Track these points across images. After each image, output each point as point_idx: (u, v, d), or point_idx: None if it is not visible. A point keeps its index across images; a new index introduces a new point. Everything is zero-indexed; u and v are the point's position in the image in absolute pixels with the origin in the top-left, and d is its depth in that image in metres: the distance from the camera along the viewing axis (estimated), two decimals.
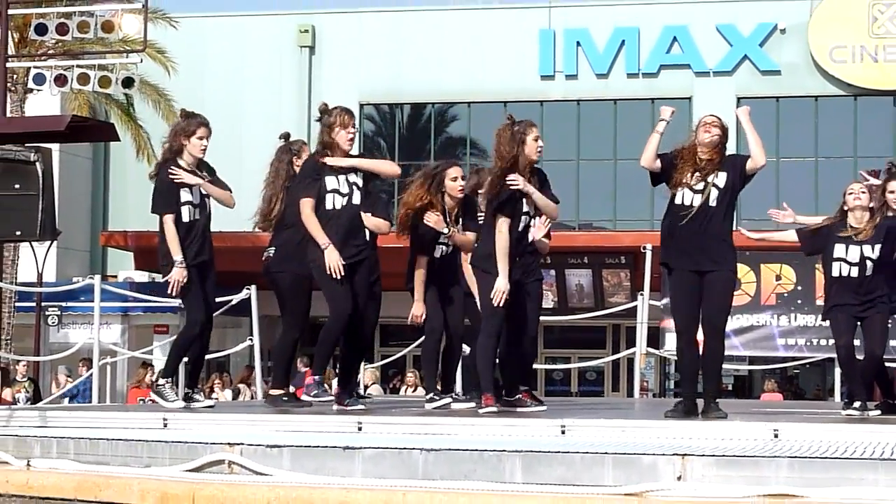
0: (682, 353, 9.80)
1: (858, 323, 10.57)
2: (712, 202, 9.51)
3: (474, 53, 32.50)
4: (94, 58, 23.45)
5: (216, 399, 19.35)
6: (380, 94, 33.25)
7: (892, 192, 10.80)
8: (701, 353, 9.73)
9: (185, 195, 10.60)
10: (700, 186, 9.52)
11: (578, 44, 32.34)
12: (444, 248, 10.95)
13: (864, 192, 10.53)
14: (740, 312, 17.14)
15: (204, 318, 10.79)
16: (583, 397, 27.13)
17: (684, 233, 9.55)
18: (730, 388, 29.89)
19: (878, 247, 10.40)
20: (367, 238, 10.46)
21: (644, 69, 32.18)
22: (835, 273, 10.48)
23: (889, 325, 11.07)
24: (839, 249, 10.45)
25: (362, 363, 14.31)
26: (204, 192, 10.68)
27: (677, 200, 9.60)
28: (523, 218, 10.16)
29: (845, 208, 10.55)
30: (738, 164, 9.66)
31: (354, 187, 10.26)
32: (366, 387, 19.51)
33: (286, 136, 11.41)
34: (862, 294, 10.42)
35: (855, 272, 10.41)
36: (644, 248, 16.99)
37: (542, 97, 32.15)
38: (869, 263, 10.41)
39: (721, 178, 9.54)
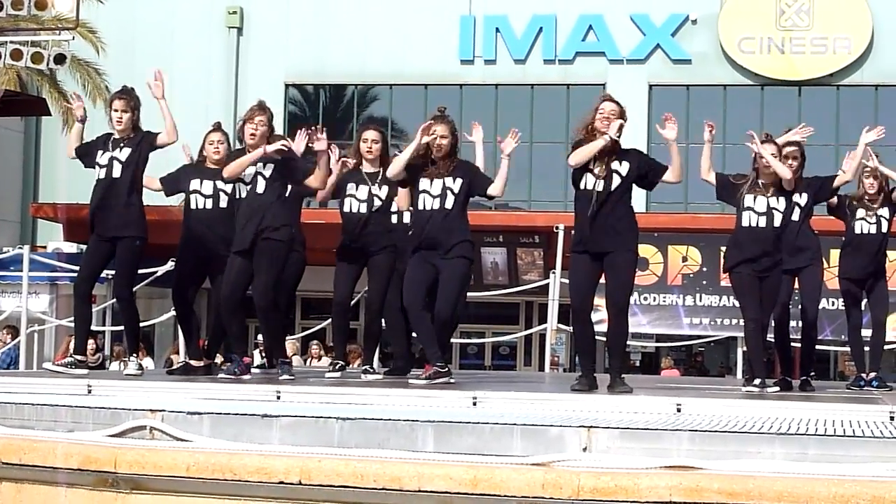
0: (577, 330, 10.17)
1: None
2: (613, 187, 9.79)
3: (397, 37, 32.34)
4: (27, 34, 23.32)
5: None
6: (305, 75, 33.24)
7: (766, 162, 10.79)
8: (606, 330, 10.04)
9: (98, 157, 10.80)
10: (602, 172, 9.78)
11: (497, 30, 32.41)
12: (356, 202, 11.37)
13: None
14: (648, 292, 17.41)
15: (121, 290, 11.10)
16: (495, 370, 27.14)
17: (588, 217, 9.81)
18: (637, 364, 30.04)
19: (782, 198, 10.52)
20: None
21: (560, 56, 32.24)
22: (745, 223, 10.55)
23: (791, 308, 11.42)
24: (748, 199, 10.53)
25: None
26: (119, 157, 10.72)
27: (581, 185, 9.91)
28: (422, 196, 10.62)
29: (756, 167, 10.59)
30: (649, 165, 10.01)
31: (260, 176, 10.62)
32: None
33: (215, 126, 11.64)
34: (767, 247, 10.47)
35: (763, 222, 10.46)
36: (557, 228, 17.28)
37: (461, 81, 32.09)
38: (776, 214, 10.50)
39: (624, 167, 9.82)
